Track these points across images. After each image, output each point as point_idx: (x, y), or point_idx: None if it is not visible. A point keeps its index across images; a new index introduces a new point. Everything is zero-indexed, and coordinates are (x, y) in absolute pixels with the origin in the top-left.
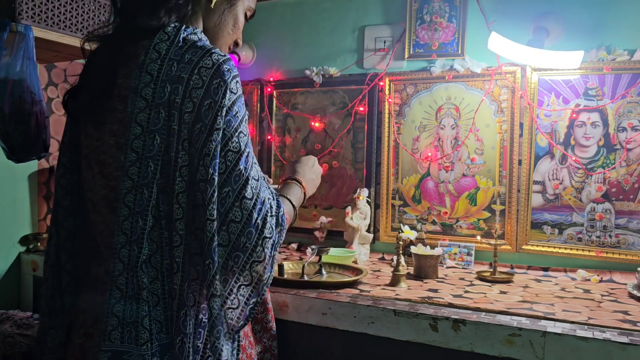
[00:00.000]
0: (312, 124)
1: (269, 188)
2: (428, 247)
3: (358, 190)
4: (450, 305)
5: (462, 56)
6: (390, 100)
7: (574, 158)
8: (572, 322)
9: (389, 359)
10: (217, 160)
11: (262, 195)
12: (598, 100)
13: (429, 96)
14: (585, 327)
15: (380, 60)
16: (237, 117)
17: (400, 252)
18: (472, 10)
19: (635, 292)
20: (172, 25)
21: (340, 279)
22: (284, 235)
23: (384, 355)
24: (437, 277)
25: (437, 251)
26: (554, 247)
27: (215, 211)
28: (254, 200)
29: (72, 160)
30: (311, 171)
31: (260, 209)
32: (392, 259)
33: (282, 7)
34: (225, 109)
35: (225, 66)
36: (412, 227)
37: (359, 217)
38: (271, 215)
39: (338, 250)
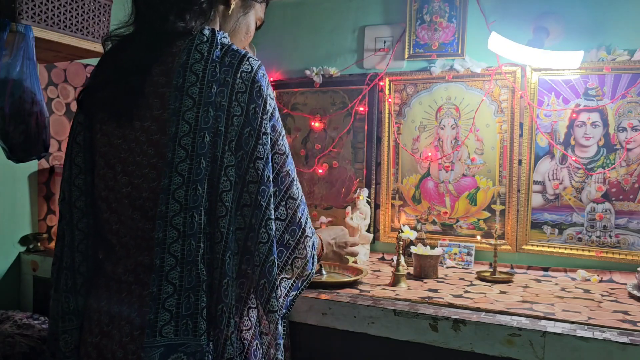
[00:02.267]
0: (312, 124)
1: None
2: (428, 247)
3: (358, 190)
4: (450, 305)
5: (462, 56)
6: (390, 100)
7: (574, 158)
8: (572, 322)
9: (389, 359)
10: (268, 163)
11: (303, 198)
12: (598, 100)
13: (429, 96)
14: (585, 327)
15: (380, 60)
16: (279, 121)
17: (401, 251)
18: (472, 10)
19: (635, 292)
20: (207, 28)
21: (340, 279)
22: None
23: (384, 355)
24: (437, 277)
25: (437, 251)
26: (554, 247)
27: (272, 210)
28: (298, 200)
29: (87, 160)
30: (329, 233)
31: (303, 210)
32: (392, 259)
33: (282, 7)
34: (269, 113)
35: (261, 71)
36: (412, 227)
37: (359, 217)
38: (310, 227)
39: None
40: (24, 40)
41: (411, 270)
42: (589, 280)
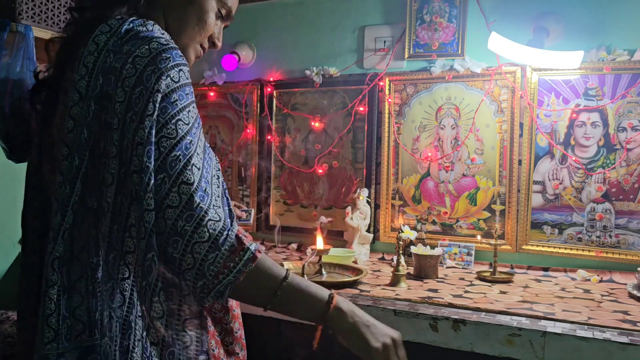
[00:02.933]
0: (312, 124)
1: (228, 206)
2: (428, 247)
3: (358, 190)
4: (450, 305)
5: (462, 56)
6: (390, 100)
7: (574, 158)
8: (572, 322)
9: None
10: (151, 147)
11: (208, 190)
12: (598, 100)
13: (429, 96)
14: (585, 327)
15: (380, 60)
16: (176, 104)
17: (401, 251)
18: (472, 10)
19: (635, 292)
20: (119, 17)
21: (340, 279)
22: (226, 249)
23: None
24: (437, 277)
25: (437, 251)
26: (554, 247)
27: (152, 200)
28: (194, 185)
29: (39, 157)
30: (365, 317)
31: (203, 197)
32: (392, 259)
33: (282, 7)
34: (160, 95)
35: (164, 54)
36: (412, 227)
37: (359, 217)
38: (215, 212)
39: (338, 250)
40: (24, 40)
41: (411, 270)
42: (589, 280)
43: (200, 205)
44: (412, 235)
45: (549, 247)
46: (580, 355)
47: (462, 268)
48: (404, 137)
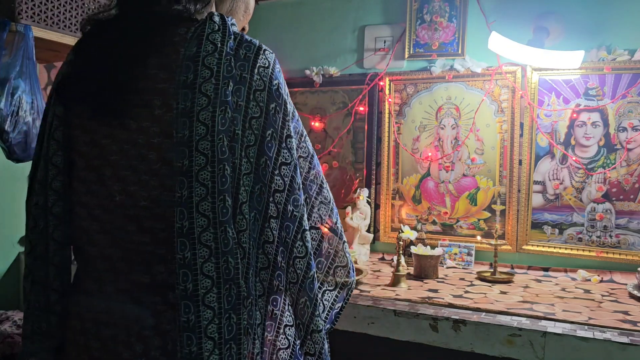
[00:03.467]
0: (312, 124)
1: None
2: (428, 247)
3: (358, 190)
4: (451, 306)
5: (462, 56)
6: (390, 100)
7: (574, 158)
8: (573, 323)
9: (389, 359)
10: (298, 170)
11: (333, 200)
12: (598, 100)
13: (429, 96)
14: (586, 327)
15: (380, 60)
16: (299, 121)
17: (401, 252)
18: (472, 10)
19: (635, 292)
20: (216, 14)
21: None
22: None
23: (384, 355)
24: (437, 277)
25: (438, 251)
26: (554, 247)
27: (305, 220)
28: (331, 205)
29: (66, 159)
30: None
31: (337, 214)
32: (392, 259)
33: (282, 7)
34: (290, 113)
35: (277, 66)
36: (413, 227)
37: (359, 217)
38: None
39: None
40: (24, 40)
41: (411, 270)
42: (589, 280)
43: (337, 225)
44: (412, 235)
45: (549, 247)
46: (580, 355)
47: (463, 268)
48: (404, 137)
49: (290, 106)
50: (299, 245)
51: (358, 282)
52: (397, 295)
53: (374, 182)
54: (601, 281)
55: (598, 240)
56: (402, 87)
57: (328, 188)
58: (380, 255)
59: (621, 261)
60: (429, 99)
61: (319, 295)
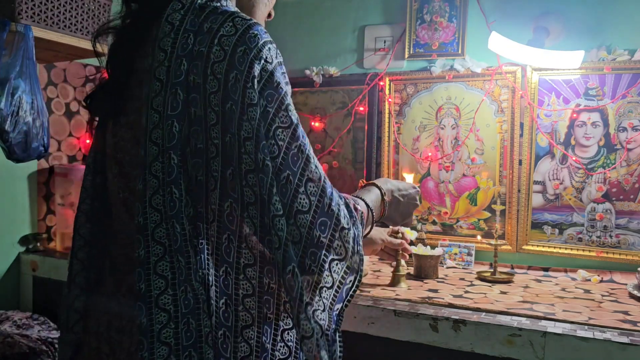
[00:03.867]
0: (312, 124)
1: None
2: (428, 247)
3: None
4: (451, 306)
5: (462, 56)
6: (390, 100)
7: (574, 158)
8: (573, 323)
9: (389, 359)
10: (265, 142)
11: (327, 179)
12: (598, 100)
13: (429, 96)
14: (586, 327)
15: (380, 60)
16: (280, 88)
17: (400, 251)
18: (472, 10)
19: (635, 292)
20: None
21: None
22: (362, 229)
23: (384, 355)
24: (437, 277)
25: (438, 251)
26: (555, 247)
27: (279, 204)
28: (322, 182)
29: (97, 160)
30: (395, 185)
31: (332, 193)
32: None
33: (282, 7)
34: (260, 80)
35: (251, 31)
36: (412, 227)
37: None
38: (342, 202)
39: None
40: (24, 40)
41: (411, 270)
42: (590, 280)
43: (331, 207)
44: (412, 235)
45: (549, 247)
46: (580, 355)
47: (463, 268)
48: (404, 137)
49: (264, 72)
50: (273, 234)
51: None
52: (397, 295)
53: None
54: (601, 281)
55: (598, 240)
56: (402, 87)
57: (318, 164)
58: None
59: (621, 261)
60: (429, 99)
61: (305, 295)
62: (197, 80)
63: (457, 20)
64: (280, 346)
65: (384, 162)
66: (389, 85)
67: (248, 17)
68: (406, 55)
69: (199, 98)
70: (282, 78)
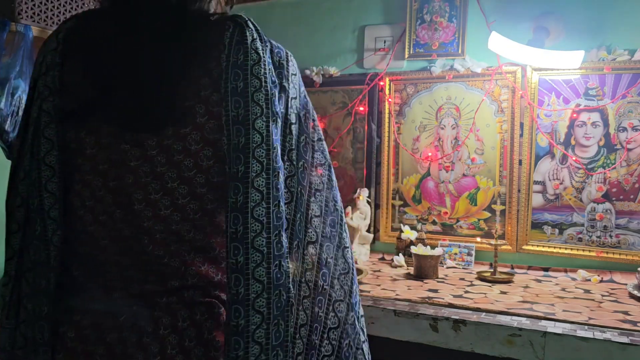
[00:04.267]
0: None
1: None
2: (428, 247)
3: (358, 190)
4: (451, 306)
5: (462, 56)
6: (390, 100)
7: (574, 158)
8: (573, 323)
9: (389, 359)
10: (331, 168)
11: None
12: (598, 100)
13: (429, 96)
14: (586, 327)
15: (380, 60)
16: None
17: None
18: (472, 10)
19: (635, 292)
20: (247, 18)
21: None
22: None
23: (384, 355)
24: (437, 277)
25: (437, 251)
26: (555, 247)
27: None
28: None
29: (60, 160)
30: None
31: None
32: (392, 259)
33: (282, 7)
34: (312, 112)
35: (297, 68)
36: (412, 227)
37: (359, 217)
38: None
39: None
40: (24, 40)
41: (411, 270)
42: (590, 280)
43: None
44: (412, 235)
45: (549, 247)
46: (580, 355)
47: (463, 268)
48: (404, 137)
49: (312, 108)
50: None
51: (358, 282)
52: (397, 295)
53: (374, 182)
54: (601, 281)
55: (598, 240)
56: (402, 87)
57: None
58: (380, 255)
59: (621, 261)
60: (429, 99)
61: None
62: (282, 110)
63: (457, 20)
64: (332, 316)
65: (384, 162)
66: (389, 85)
67: (290, 52)
68: (406, 55)
69: (280, 125)
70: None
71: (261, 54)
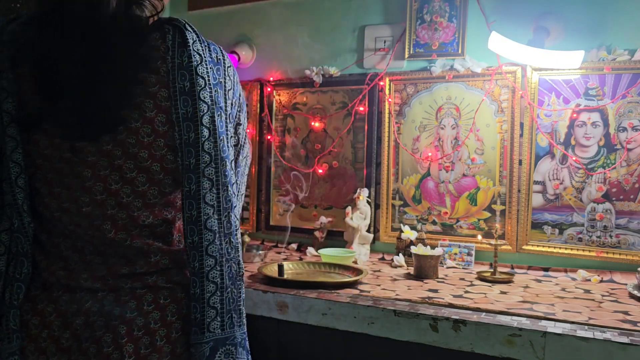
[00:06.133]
0: (312, 124)
1: None
2: (428, 247)
3: (358, 190)
4: (451, 306)
5: (463, 56)
6: (390, 100)
7: (574, 158)
8: (573, 323)
9: (388, 359)
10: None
11: None
12: (598, 100)
13: (429, 96)
14: (586, 327)
15: (380, 60)
16: (243, 103)
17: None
18: (472, 10)
19: (635, 292)
20: (185, 21)
21: (340, 279)
22: None
23: (384, 355)
24: (437, 277)
25: (438, 251)
26: (555, 247)
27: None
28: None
29: (25, 158)
30: None
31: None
32: (392, 259)
33: (282, 7)
34: (244, 107)
35: (228, 59)
36: (412, 227)
37: (359, 217)
38: None
39: (338, 250)
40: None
41: (411, 270)
42: (590, 280)
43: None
44: (412, 235)
45: (549, 247)
46: (580, 355)
47: (463, 268)
48: (404, 137)
49: (243, 96)
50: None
51: (358, 282)
52: (397, 295)
53: (374, 182)
54: (601, 281)
55: (598, 240)
56: (402, 87)
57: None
58: (380, 255)
59: (621, 261)
60: (429, 99)
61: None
62: (221, 104)
63: (457, 20)
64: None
65: (384, 162)
66: (389, 85)
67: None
68: (406, 55)
69: (225, 118)
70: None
71: (202, 55)
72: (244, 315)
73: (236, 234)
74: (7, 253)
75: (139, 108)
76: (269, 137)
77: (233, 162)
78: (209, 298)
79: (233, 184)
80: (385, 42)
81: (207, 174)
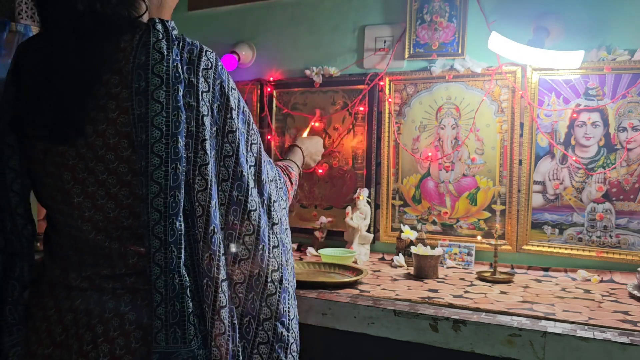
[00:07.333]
0: (312, 124)
1: None
2: (428, 247)
3: (358, 190)
4: (451, 306)
5: (463, 56)
6: (390, 100)
7: (574, 158)
8: (573, 323)
9: (388, 359)
10: (245, 157)
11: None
12: (598, 100)
13: (429, 96)
14: (586, 327)
15: (380, 60)
16: (246, 110)
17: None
18: (472, 10)
19: (635, 292)
20: (157, 20)
21: (340, 279)
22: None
23: (384, 355)
24: (437, 277)
25: (437, 251)
26: (555, 247)
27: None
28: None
29: (25, 185)
30: (311, 144)
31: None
32: (392, 259)
33: (282, 7)
34: (234, 112)
35: (219, 63)
36: (412, 227)
37: (359, 217)
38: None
39: (338, 250)
40: (24, 39)
41: (411, 270)
42: (590, 280)
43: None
44: (412, 235)
45: (549, 247)
46: (580, 355)
47: (463, 268)
48: (404, 137)
49: (234, 99)
50: (246, 223)
51: (358, 282)
52: (397, 295)
53: (374, 182)
54: (601, 281)
55: (598, 240)
56: (402, 87)
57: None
58: (380, 255)
59: (621, 261)
60: (429, 99)
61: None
62: (192, 103)
63: (457, 20)
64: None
65: (384, 162)
66: (389, 85)
67: (211, 50)
68: (406, 55)
69: (192, 117)
70: (240, 97)
71: (165, 53)
72: (192, 331)
73: (180, 244)
74: (1, 253)
75: (104, 110)
76: (269, 137)
77: (211, 166)
78: (155, 308)
79: (187, 189)
80: (385, 42)
81: (155, 177)
